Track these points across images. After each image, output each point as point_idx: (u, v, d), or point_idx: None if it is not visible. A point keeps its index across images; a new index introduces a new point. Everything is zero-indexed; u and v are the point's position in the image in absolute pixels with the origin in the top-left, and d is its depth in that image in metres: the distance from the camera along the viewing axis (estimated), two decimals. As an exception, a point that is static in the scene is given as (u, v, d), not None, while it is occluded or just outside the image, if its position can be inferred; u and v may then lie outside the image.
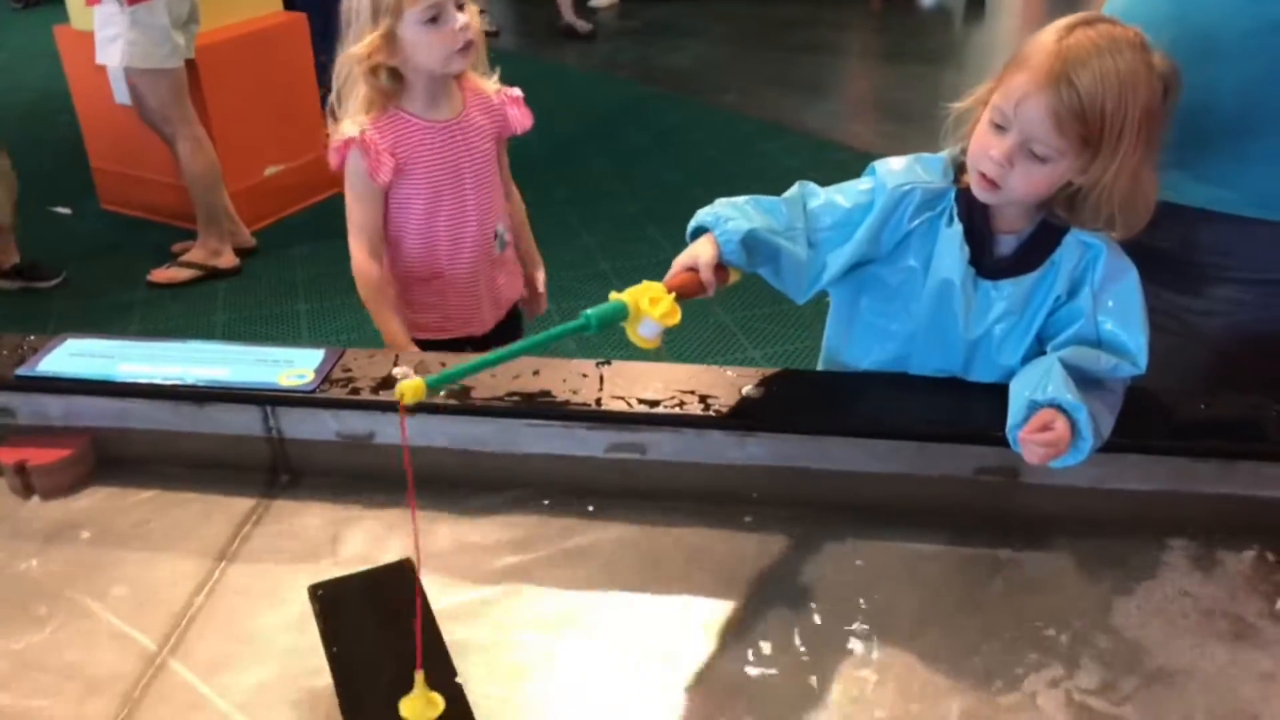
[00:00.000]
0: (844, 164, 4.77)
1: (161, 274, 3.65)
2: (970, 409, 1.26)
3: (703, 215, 1.22)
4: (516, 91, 1.85)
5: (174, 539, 1.24)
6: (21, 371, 1.33)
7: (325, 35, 4.16)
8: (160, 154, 3.79)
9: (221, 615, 1.13)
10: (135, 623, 1.12)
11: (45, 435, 1.34)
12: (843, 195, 1.27)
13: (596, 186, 4.57)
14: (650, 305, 1.09)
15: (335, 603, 1.08)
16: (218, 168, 3.56)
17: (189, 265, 3.65)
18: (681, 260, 1.18)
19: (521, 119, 1.85)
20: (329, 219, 4.30)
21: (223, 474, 1.33)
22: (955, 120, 1.23)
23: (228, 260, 3.68)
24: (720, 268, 1.18)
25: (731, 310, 3.38)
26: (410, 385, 0.89)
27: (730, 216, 1.19)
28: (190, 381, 1.30)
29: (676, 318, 1.10)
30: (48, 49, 6.11)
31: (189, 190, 3.57)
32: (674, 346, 3.20)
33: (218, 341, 1.39)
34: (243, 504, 1.30)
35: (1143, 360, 1.16)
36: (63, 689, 1.04)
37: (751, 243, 1.19)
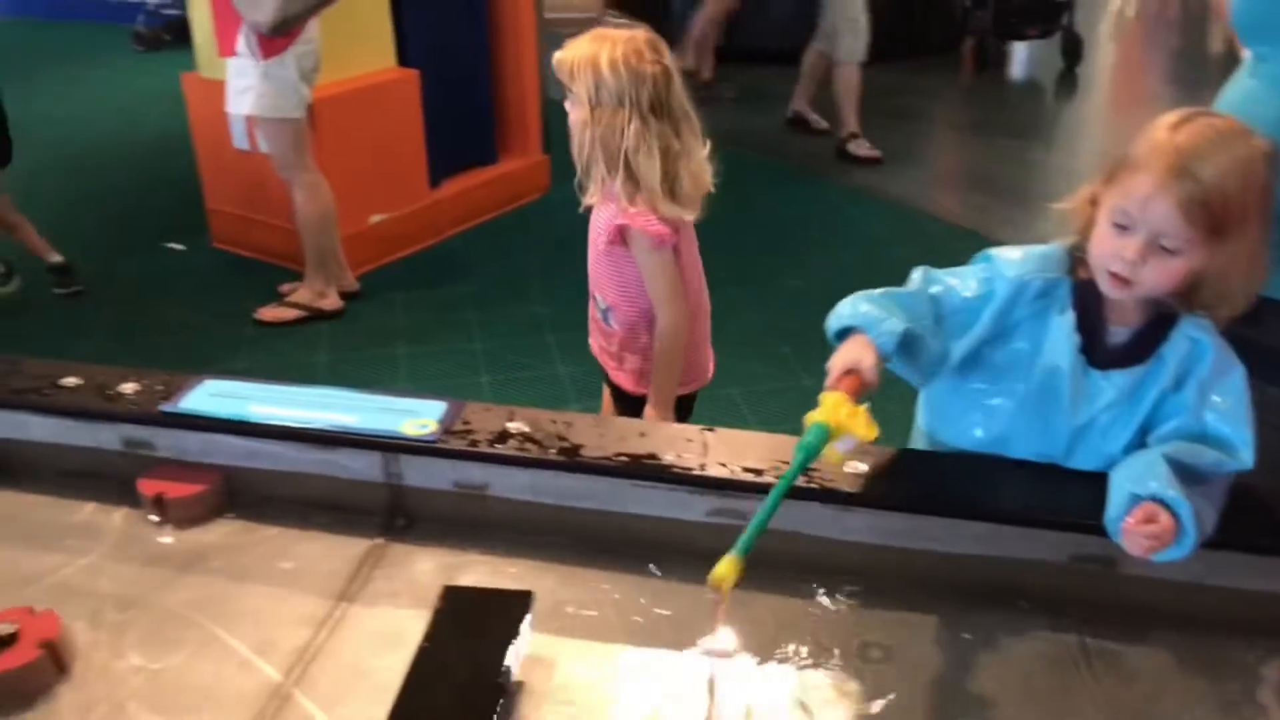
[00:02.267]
0: (931, 234, 4.80)
1: (269, 312, 3.81)
2: (1069, 495, 1.28)
3: (848, 315, 1.25)
4: (623, 220, 1.92)
5: (297, 575, 1.32)
6: (165, 408, 1.42)
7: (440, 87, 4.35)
8: (273, 197, 3.97)
9: (343, 652, 1.20)
10: (262, 653, 1.19)
11: (182, 469, 1.43)
12: (963, 283, 1.31)
13: (683, 245, 4.65)
14: (849, 419, 1.12)
15: (453, 606, 1.17)
16: (332, 214, 3.73)
17: (295, 305, 3.80)
18: (841, 363, 1.20)
19: (609, 230, 1.95)
20: (427, 267, 4.46)
21: (342, 515, 1.41)
22: (1061, 218, 1.28)
23: (331, 303, 3.82)
24: None
25: (815, 375, 3.39)
26: (726, 567, 1.02)
27: (881, 316, 1.23)
28: (319, 426, 1.39)
29: (876, 429, 1.14)
30: (167, 91, 6.44)
31: (300, 234, 3.73)
32: (755, 409, 3.24)
33: (346, 388, 1.48)
34: (361, 545, 1.37)
35: (1248, 456, 1.18)
36: (199, 710, 1.11)
37: (905, 341, 1.24)
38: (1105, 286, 1.22)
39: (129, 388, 1.47)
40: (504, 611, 1.14)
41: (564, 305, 4.01)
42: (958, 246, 4.31)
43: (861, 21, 5.52)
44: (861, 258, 4.33)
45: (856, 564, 1.31)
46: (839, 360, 1.20)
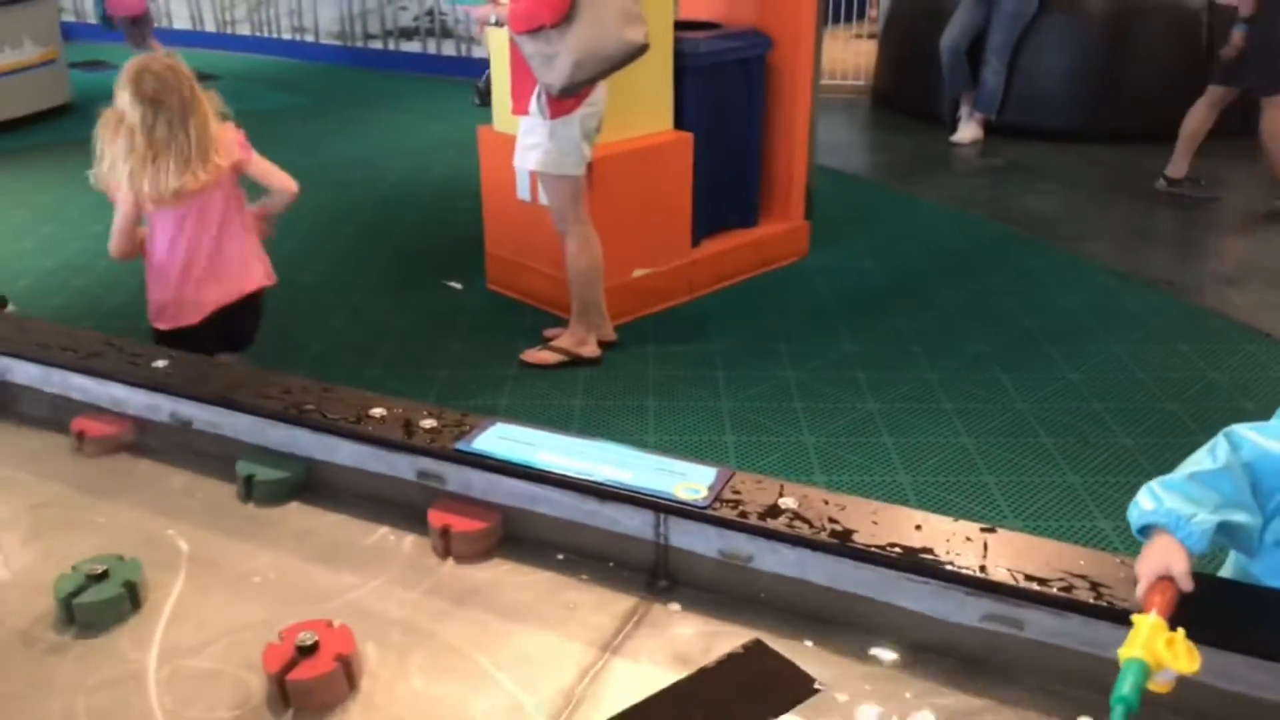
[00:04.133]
0: (1219, 332, 4.43)
1: (532, 355, 4.01)
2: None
3: (1152, 512, 1.18)
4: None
5: (564, 621, 1.36)
6: (459, 446, 1.52)
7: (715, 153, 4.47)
8: (546, 246, 4.19)
9: (606, 703, 1.22)
10: (530, 693, 1.24)
11: (467, 505, 1.51)
12: (1275, 442, 1.21)
13: (943, 322, 4.53)
14: (1167, 650, 1.03)
15: (747, 659, 1.21)
16: (600, 266, 3.89)
17: (557, 350, 3.99)
18: (1150, 570, 1.13)
19: None
20: (681, 323, 4.57)
21: (608, 569, 1.45)
22: None
23: (591, 350, 3.98)
24: None
25: (1081, 472, 3.21)
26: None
27: (1188, 511, 1.16)
28: (598, 479, 1.44)
29: (1198, 659, 1.04)
30: (454, 139, 6.91)
31: (569, 283, 3.92)
32: (1015, 506, 3.08)
33: (624, 446, 1.52)
34: (625, 601, 1.40)
35: None
36: (473, 743, 1.17)
37: (1220, 531, 1.17)
38: None
39: (428, 423, 1.58)
40: (789, 687, 1.13)
41: (813, 372, 4.00)
42: (1245, 348, 4.01)
43: None
44: (1139, 352, 4.06)
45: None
46: (1147, 566, 1.13)
